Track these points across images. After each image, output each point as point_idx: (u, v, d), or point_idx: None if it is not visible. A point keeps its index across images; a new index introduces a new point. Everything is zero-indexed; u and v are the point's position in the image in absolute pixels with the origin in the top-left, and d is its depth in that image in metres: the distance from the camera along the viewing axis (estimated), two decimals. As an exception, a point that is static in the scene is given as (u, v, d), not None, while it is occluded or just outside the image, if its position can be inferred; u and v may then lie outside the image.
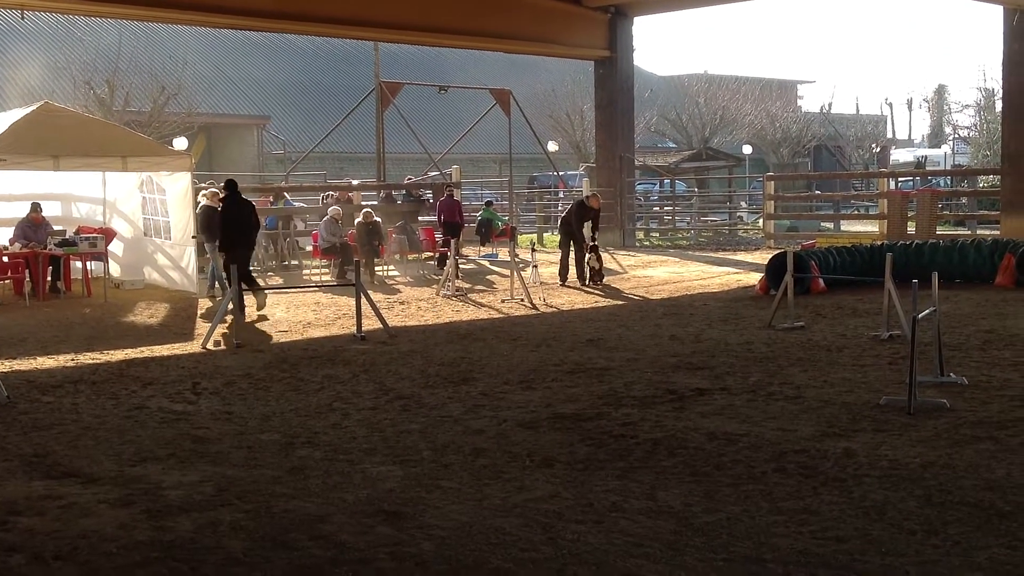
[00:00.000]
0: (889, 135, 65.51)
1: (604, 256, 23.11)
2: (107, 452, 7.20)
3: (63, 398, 9.09)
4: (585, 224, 18.32)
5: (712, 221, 33.40)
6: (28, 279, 16.42)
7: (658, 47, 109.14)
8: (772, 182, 27.24)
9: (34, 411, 8.55)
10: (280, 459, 6.99)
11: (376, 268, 19.61)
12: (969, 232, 25.74)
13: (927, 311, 8.77)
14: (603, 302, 15.76)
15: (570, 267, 18.24)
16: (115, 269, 18.29)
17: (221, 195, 15.54)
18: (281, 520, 5.66)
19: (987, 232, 24.73)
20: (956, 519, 5.52)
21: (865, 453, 6.78)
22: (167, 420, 8.22)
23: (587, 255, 17.94)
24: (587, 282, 17.75)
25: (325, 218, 19.72)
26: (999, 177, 23.23)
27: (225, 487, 6.28)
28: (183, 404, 8.83)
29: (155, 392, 9.33)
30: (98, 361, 11.03)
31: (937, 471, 6.36)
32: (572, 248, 18.21)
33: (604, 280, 18.07)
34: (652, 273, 20.27)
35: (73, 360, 11.06)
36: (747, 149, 44.35)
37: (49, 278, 16.82)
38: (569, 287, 17.55)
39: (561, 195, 33.73)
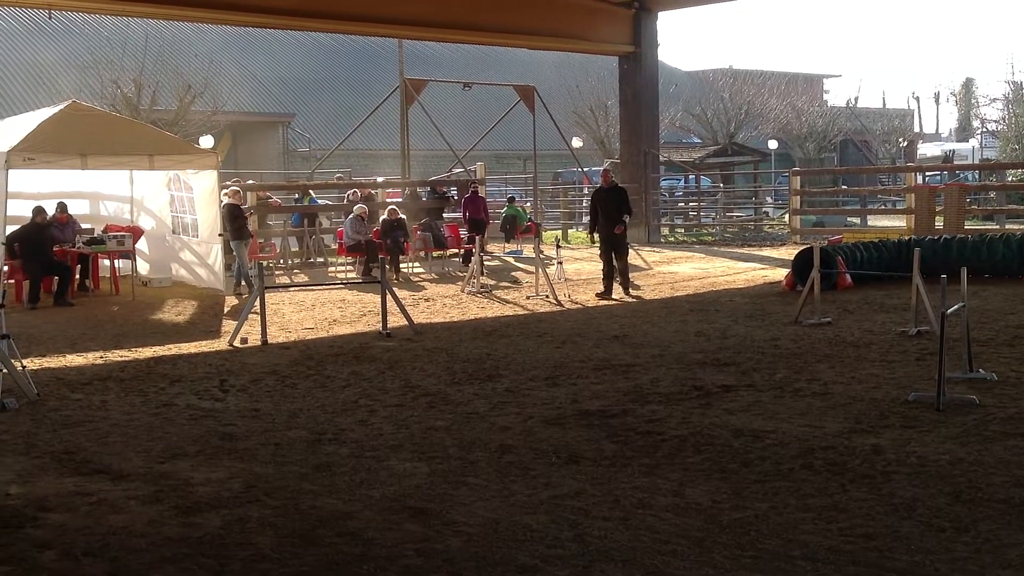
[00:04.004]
0: (916, 129, 65.05)
1: (629, 252, 23.10)
2: (136, 449, 7.26)
3: (92, 395, 9.16)
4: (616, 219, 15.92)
5: (737, 217, 33.28)
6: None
7: (683, 42, 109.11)
8: (798, 177, 27.08)
9: (64, 408, 8.62)
10: (307, 456, 7.02)
11: (401, 265, 19.65)
12: (998, 226, 25.53)
13: (956, 306, 8.70)
14: (628, 298, 15.72)
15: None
16: (143, 267, 18.43)
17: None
18: (308, 516, 5.69)
19: (1016, 227, 24.52)
20: (986, 516, 5.47)
21: (893, 450, 6.73)
22: (195, 417, 8.27)
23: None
24: (622, 292, 15.83)
25: (350, 216, 19.79)
26: (1028, 171, 23.00)
27: (253, 484, 6.32)
28: (211, 401, 8.89)
29: (183, 389, 9.39)
30: (126, 358, 11.11)
31: (967, 468, 6.31)
32: (615, 255, 15.92)
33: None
34: (677, 269, 20.21)
35: (102, 358, 11.14)
36: (773, 144, 44.14)
37: (77, 276, 16.95)
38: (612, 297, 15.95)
39: (585, 191, 33.69)
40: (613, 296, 15.65)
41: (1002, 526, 5.32)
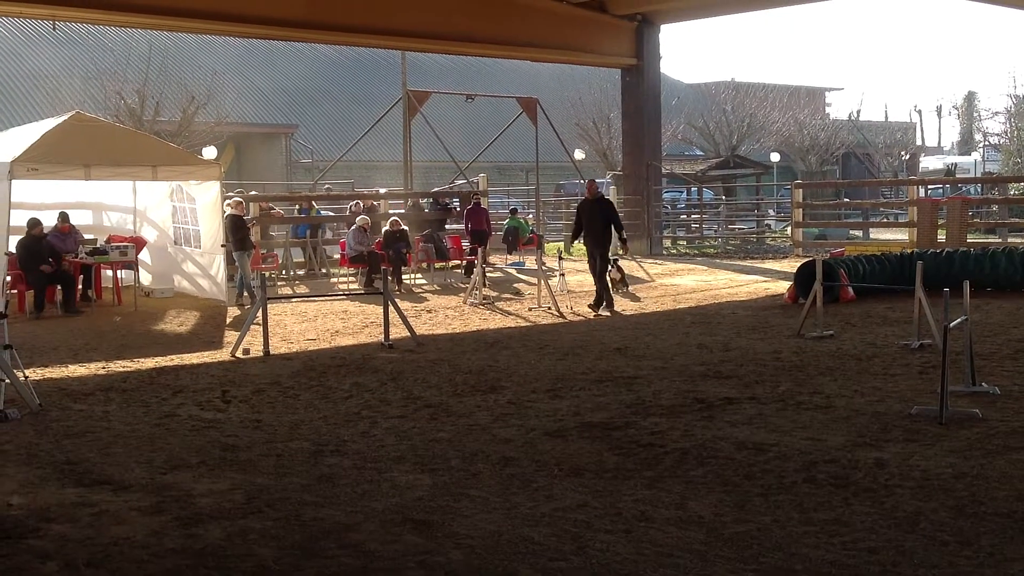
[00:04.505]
0: (918, 142, 65.04)
1: (631, 264, 23.10)
2: (138, 459, 7.26)
3: (94, 406, 9.16)
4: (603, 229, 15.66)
5: (740, 229, 33.27)
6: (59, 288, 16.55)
7: (685, 54, 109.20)
8: (800, 190, 27.10)
9: (66, 419, 8.62)
10: (309, 467, 7.02)
11: (403, 276, 19.66)
12: (1000, 240, 25.53)
13: (958, 320, 8.70)
14: (630, 311, 15.72)
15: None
16: (145, 278, 18.44)
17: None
18: (310, 528, 5.68)
19: (1018, 240, 24.51)
20: (989, 530, 5.46)
21: (896, 463, 6.73)
22: (197, 428, 8.27)
23: (610, 269, 16.53)
24: (609, 308, 15.39)
25: (353, 227, 19.82)
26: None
27: (255, 495, 6.31)
28: (213, 412, 8.89)
29: (185, 400, 9.40)
30: (129, 369, 11.11)
31: (970, 481, 6.31)
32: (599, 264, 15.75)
33: (629, 288, 18.00)
34: (679, 281, 20.21)
35: (104, 368, 11.15)
36: (775, 157, 44.12)
37: (80, 287, 16.95)
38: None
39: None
40: (614, 308, 15.47)
41: (1005, 540, 5.31)
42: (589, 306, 15.58)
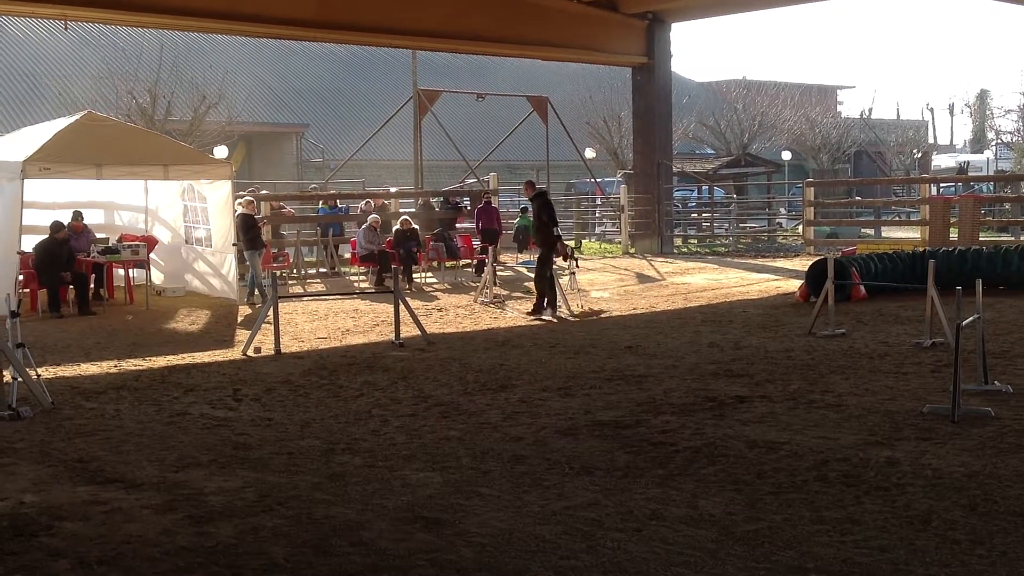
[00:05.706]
0: (931, 140, 64.85)
1: (642, 263, 23.09)
2: (150, 458, 7.28)
3: (106, 404, 9.19)
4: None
5: (751, 228, 33.20)
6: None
7: (696, 53, 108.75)
8: (812, 188, 27.03)
9: (78, 417, 8.65)
10: (320, 465, 7.03)
11: (414, 275, 19.67)
12: (1012, 238, 25.42)
13: (971, 318, 8.66)
14: (641, 309, 15.71)
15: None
16: (157, 276, 18.48)
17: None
18: (321, 526, 5.69)
19: (1031, 238, 24.38)
20: (1002, 529, 5.44)
21: (908, 462, 6.71)
22: (208, 426, 8.29)
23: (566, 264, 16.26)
24: (545, 310, 14.94)
25: (364, 226, 19.84)
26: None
27: (266, 493, 6.32)
28: (224, 410, 8.91)
29: (196, 398, 9.42)
30: (140, 367, 11.15)
31: (982, 480, 6.28)
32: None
33: (575, 273, 17.20)
34: (690, 280, 20.18)
35: (116, 367, 11.18)
36: (786, 155, 44.04)
37: (92, 285, 17.00)
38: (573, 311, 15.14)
39: (598, 202, 33.72)
40: (543, 316, 14.81)
41: (1018, 539, 5.29)
42: (528, 313, 15.13)
